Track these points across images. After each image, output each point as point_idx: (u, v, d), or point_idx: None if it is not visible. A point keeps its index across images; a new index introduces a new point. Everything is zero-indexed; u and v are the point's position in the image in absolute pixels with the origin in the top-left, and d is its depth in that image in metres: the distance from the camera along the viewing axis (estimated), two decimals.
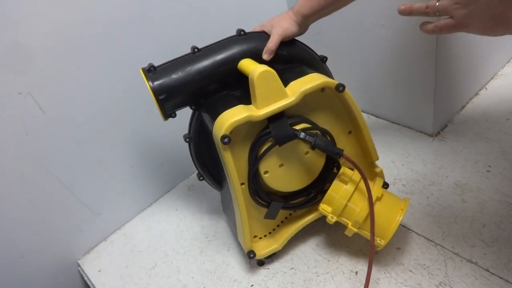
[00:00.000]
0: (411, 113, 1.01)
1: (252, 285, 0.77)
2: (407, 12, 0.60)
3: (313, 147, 0.64)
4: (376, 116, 1.11)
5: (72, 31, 0.78)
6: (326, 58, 0.79)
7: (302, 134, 0.64)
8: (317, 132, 0.66)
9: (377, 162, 0.77)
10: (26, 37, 0.73)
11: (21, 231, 0.83)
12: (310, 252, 0.80)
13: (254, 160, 0.65)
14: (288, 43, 0.74)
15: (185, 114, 0.76)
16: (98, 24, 0.81)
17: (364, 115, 1.10)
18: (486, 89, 1.09)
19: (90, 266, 0.92)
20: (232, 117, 0.61)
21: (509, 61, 1.16)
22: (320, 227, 0.83)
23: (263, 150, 0.65)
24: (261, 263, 0.80)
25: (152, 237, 0.95)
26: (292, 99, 0.63)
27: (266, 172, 0.67)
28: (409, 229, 0.78)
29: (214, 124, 0.64)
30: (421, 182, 0.87)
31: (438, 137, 0.98)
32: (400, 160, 0.95)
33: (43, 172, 0.82)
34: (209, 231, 0.92)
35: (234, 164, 0.65)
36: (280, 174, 0.69)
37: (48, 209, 0.85)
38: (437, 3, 0.54)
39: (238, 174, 0.66)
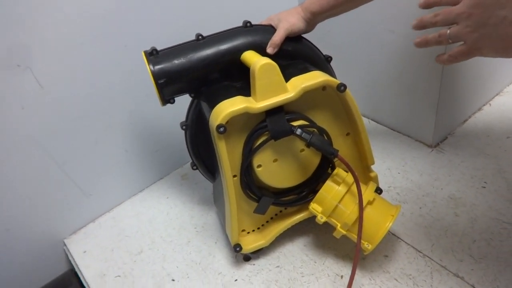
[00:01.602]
0: (412, 122, 1.00)
1: (236, 280, 0.76)
2: (422, 44, 0.59)
3: (308, 144, 0.64)
4: (377, 122, 1.10)
5: (80, 8, 0.77)
6: (331, 58, 0.78)
7: (299, 131, 0.63)
8: (314, 130, 0.66)
9: (373, 168, 0.77)
10: (30, 10, 0.72)
11: (9, 204, 0.82)
12: (297, 251, 0.79)
13: (248, 153, 0.65)
14: (294, 39, 0.73)
15: (184, 102, 0.76)
16: (106, 3, 0.80)
17: (365, 120, 1.09)
18: (490, 105, 1.08)
19: (76, 246, 0.91)
20: (230, 107, 0.61)
21: None
22: (309, 227, 0.82)
23: (258, 143, 0.64)
24: (247, 258, 0.80)
25: (140, 223, 0.94)
26: (292, 94, 0.62)
27: (259, 166, 0.67)
28: (398, 237, 0.78)
29: (211, 113, 0.64)
30: (415, 192, 0.87)
31: (437, 149, 0.97)
32: (396, 168, 0.94)
33: (36, 148, 0.82)
34: (198, 222, 0.91)
35: (227, 155, 0.64)
36: (273, 169, 0.68)
37: (38, 186, 0.85)
38: (448, 31, 0.53)
39: (231, 166, 0.65)
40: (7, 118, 0.76)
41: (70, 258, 0.91)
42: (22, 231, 0.86)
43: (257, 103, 0.62)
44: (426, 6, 0.59)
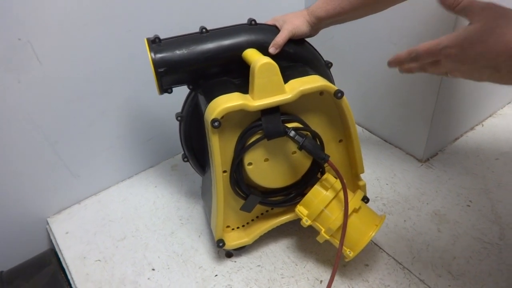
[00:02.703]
0: (405, 135, 1.01)
1: (216, 275, 0.76)
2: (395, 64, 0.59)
3: (300, 147, 0.64)
4: (370, 131, 1.11)
5: None
6: (331, 64, 0.79)
7: (292, 133, 0.63)
8: (307, 134, 0.66)
9: (362, 176, 0.77)
10: None
11: None
12: (279, 253, 0.80)
13: (240, 150, 0.65)
14: (297, 42, 0.74)
15: (181, 93, 0.76)
16: None
17: (358, 128, 1.10)
18: (483, 125, 1.09)
19: (59, 227, 0.91)
20: (226, 102, 0.61)
21: (510, 102, 1.17)
22: (294, 229, 0.83)
23: (251, 141, 0.64)
24: (229, 254, 0.80)
25: (126, 209, 0.94)
26: (289, 96, 0.62)
27: (250, 163, 0.67)
28: (380, 247, 0.78)
29: (208, 107, 0.64)
30: (402, 205, 0.88)
31: (427, 164, 0.98)
32: (385, 179, 0.95)
33: (29, 123, 0.81)
34: (183, 214, 0.91)
35: (220, 150, 0.64)
36: (264, 169, 0.68)
37: (26, 161, 0.84)
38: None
39: (222, 161, 0.65)
40: (2, 90, 0.75)
41: (52, 238, 0.90)
42: (4, 205, 0.85)
43: (254, 101, 0.62)
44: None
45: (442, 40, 0.48)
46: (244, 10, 0.79)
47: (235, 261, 0.79)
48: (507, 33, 0.43)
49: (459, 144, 1.03)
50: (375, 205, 0.88)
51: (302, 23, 0.72)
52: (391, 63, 0.57)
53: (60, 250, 0.86)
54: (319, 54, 0.78)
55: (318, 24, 0.73)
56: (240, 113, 0.63)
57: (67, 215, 0.94)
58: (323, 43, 0.79)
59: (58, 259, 0.86)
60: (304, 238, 0.82)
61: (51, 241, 0.91)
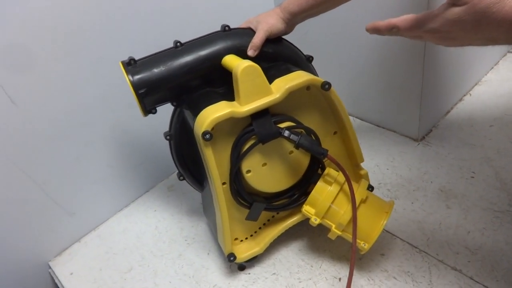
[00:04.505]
0: (397, 117, 1.00)
1: None
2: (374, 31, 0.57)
3: (297, 146, 0.62)
4: (361, 119, 1.10)
5: (50, 22, 0.75)
6: (312, 58, 0.78)
7: (286, 133, 0.62)
8: (301, 131, 0.64)
9: (362, 165, 0.76)
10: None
11: None
12: (292, 257, 0.78)
13: (236, 158, 0.63)
14: (274, 41, 0.73)
15: (166, 111, 0.74)
16: (78, 16, 0.78)
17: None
18: (470, 95, 1.09)
19: (62, 269, 0.88)
20: (214, 112, 0.59)
21: (492, 67, 1.18)
22: (303, 231, 0.81)
23: (246, 148, 0.63)
24: (241, 267, 0.78)
25: (128, 239, 0.91)
26: (277, 96, 0.61)
27: (248, 171, 0.65)
28: (393, 234, 0.77)
29: (196, 120, 0.62)
30: (406, 187, 0.86)
31: (423, 142, 0.97)
32: (385, 164, 0.94)
33: (13, 169, 0.78)
34: (188, 234, 0.89)
35: (215, 163, 0.62)
36: (263, 174, 0.66)
37: (17, 208, 0.81)
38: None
39: (219, 173, 0.63)
40: None
41: (56, 281, 0.87)
42: (3, 257, 0.82)
43: (242, 106, 0.60)
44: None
45: (426, 21, 0.47)
46: (215, 18, 0.77)
47: (249, 273, 0.76)
48: (507, 4, 0.41)
49: (451, 117, 1.03)
50: (380, 192, 0.87)
51: (277, 21, 0.71)
52: (369, 30, 0.55)
53: None
54: (299, 50, 0.77)
55: (293, 19, 0.72)
56: (230, 122, 0.61)
57: (68, 255, 0.91)
58: (299, 39, 0.77)
59: None
60: (315, 238, 0.80)
61: (56, 285, 0.88)
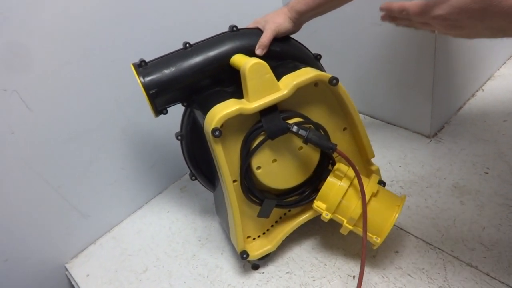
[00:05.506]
0: (408, 114, 0.99)
1: None
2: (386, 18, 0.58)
3: (306, 141, 0.62)
4: (372, 117, 1.10)
5: (62, 27, 0.77)
6: (320, 56, 0.78)
7: (295, 128, 0.62)
8: (310, 127, 0.65)
9: (374, 162, 0.75)
10: (13, 33, 0.71)
11: (5, 234, 0.80)
12: (306, 255, 0.77)
13: (246, 155, 0.64)
14: (282, 40, 0.73)
15: (177, 112, 0.75)
16: (89, 20, 0.80)
17: (360, 116, 1.09)
18: (483, 90, 1.08)
19: (78, 270, 0.89)
20: (223, 110, 0.60)
21: (505, 62, 1.16)
22: (316, 229, 0.81)
23: (255, 144, 0.63)
24: (255, 266, 0.78)
25: (143, 240, 0.92)
26: (285, 92, 0.61)
27: (258, 167, 0.65)
28: (407, 231, 0.76)
29: (205, 118, 0.63)
30: (419, 184, 0.85)
31: (435, 138, 0.96)
32: (397, 162, 0.93)
33: (30, 173, 0.80)
34: (202, 234, 0.89)
35: (225, 160, 0.63)
36: (274, 170, 0.67)
37: (34, 211, 0.83)
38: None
39: (230, 171, 0.64)
40: None
41: (73, 283, 0.88)
42: (21, 260, 0.83)
43: (251, 103, 0.61)
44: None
45: (434, 6, 0.47)
46: (224, 19, 0.78)
47: (263, 272, 0.76)
48: None
49: (464, 113, 1.02)
50: (392, 189, 0.86)
51: (284, 20, 0.72)
52: (382, 10, 0.56)
53: None
54: (307, 48, 0.77)
55: (300, 18, 0.73)
56: (239, 118, 0.61)
57: (85, 257, 0.92)
58: (308, 38, 0.78)
59: None
60: (328, 236, 0.79)
61: (73, 286, 0.89)
